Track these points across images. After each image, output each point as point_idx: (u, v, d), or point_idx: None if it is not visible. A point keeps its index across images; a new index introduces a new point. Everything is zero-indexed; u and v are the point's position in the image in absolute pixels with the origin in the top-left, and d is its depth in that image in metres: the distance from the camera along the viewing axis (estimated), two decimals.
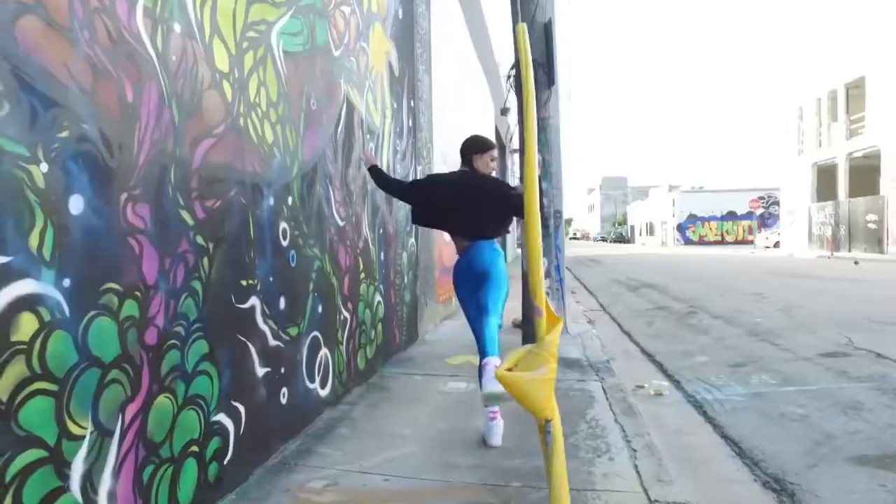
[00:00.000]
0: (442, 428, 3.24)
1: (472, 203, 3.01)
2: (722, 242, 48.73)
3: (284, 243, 2.85)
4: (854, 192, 25.99)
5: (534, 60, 5.28)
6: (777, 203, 41.00)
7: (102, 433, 1.68)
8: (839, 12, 26.75)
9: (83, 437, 1.61)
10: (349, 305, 3.82)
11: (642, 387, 4.50)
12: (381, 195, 4.60)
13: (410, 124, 5.64)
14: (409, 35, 5.61)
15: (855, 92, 26.03)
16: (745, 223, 48.60)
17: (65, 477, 1.54)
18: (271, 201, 2.71)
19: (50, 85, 1.50)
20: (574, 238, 74.31)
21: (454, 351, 5.37)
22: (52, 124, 1.51)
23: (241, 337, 2.43)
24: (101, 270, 1.68)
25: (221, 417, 2.28)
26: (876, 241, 23.91)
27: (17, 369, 1.41)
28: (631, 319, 8.15)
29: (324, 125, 3.38)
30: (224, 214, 2.32)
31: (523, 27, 2.12)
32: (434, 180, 3.37)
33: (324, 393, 3.36)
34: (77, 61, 1.59)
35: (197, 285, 2.13)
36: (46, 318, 1.49)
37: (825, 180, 28.60)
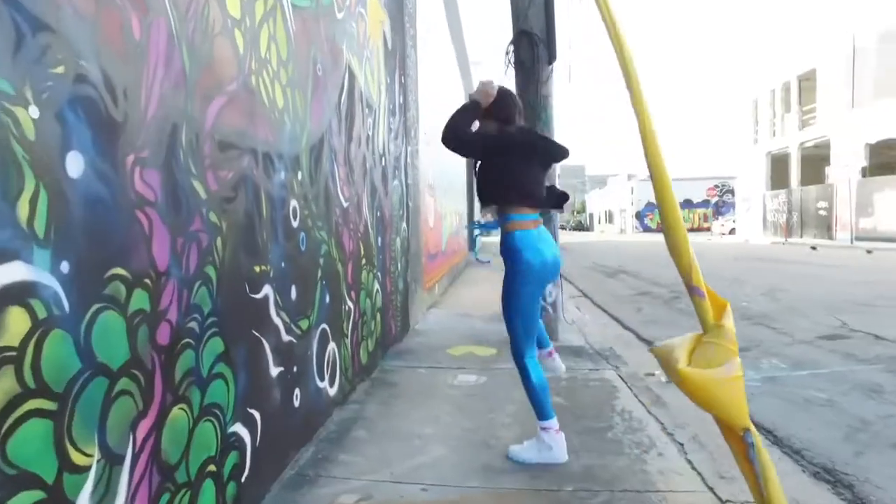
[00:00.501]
0: (467, 426, 2.96)
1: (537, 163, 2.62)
2: None
3: (295, 224, 2.49)
4: (805, 180, 26.92)
5: (535, 35, 5.00)
6: (731, 191, 42.26)
7: (111, 460, 1.32)
8: (792, 7, 27.50)
9: (88, 468, 1.25)
10: (352, 294, 3.48)
11: (652, 374, 4.32)
12: (378, 174, 4.25)
13: (401, 101, 5.29)
14: (399, 6, 5.25)
15: (806, 84, 26.88)
16: (701, 211, 49.98)
17: None
18: (282, 175, 2.35)
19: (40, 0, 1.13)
20: None
21: (452, 341, 5.08)
22: (42, 55, 1.13)
23: (255, 332, 2.08)
24: (106, 251, 1.31)
25: (238, 428, 1.93)
26: (826, 227, 24.83)
27: (5, 385, 1.04)
28: (618, 305, 8.04)
29: (328, 94, 3.02)
30: (237, 188, 1.95)
31: None
32: (504, 135, 2.60)
33: (332, 392, 3.02)
34: None
35: (211, 271, 1.76)
36: (42, 314, 1.12)
37: (778, 169, 29.53)
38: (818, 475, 2.72)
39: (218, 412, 1.80)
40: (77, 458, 1.21)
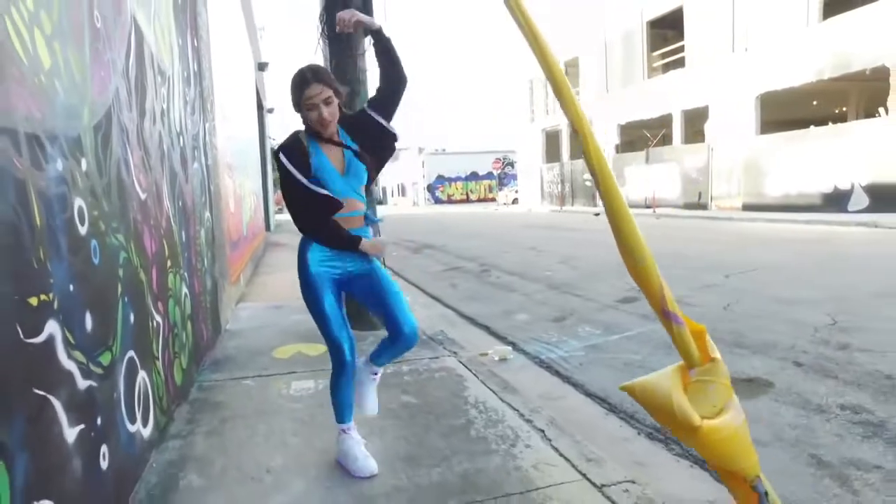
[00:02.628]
0: (320, 447, 2.60)
1: None
2: (467, 201, 53.38)
3: (83, 230, 1.85)
4: (575, 154, 30.56)
5: (351, 2, 4.60)
6: (512, 164, 46.25)
7: None
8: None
9: None
10: (160, 306, 2.83)
11: (485, 354, 4.39)
12: (177, 156, 3.53)
13: (196, 69, 4.49)
14: None
15: (572, 70, 30.29)
16: (486, 182, 53.96)
17: None
18: (59, 165, 1.70)
19: None
20: None
21: (274, 340, 4.57)
22: None
23: (38, 391, 1.47)
24: None
25: None
26: (591, 196, 28.58)
27: None
28: (432, 283, 8.13)
29: (113, 54, 2.32)
30: None
31: None
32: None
33: (147, 432, 2.41)
34: None
35: None
36: None
37: (552, 144, 33.05)
38: (652, 436, 2.96)
39: None
40: None
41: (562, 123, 31.09)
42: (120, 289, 2.19)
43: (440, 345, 4.38)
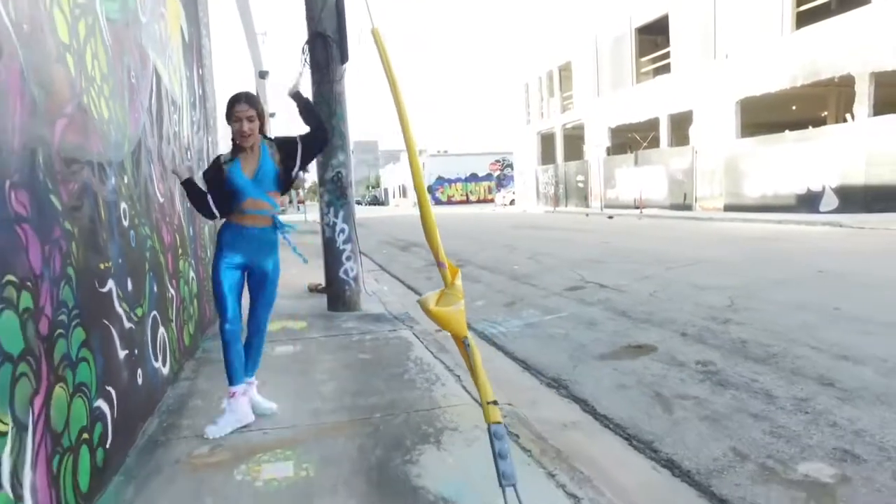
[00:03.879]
0: (292, 385, 3.52)
1: None
2: (467, 202, 54.23)
3: (125, 224, 2.77)
4: (569, 156, 31.44)
5: (327, 37, 5.52)
6: (510, 166, 47.15)
7: (20, 428, 1.66)
8: (552, 3, 31.41)
9: (6, 434, 1.59)
10: (174, 283, 3.75)
11: (440, 330, 5.27)
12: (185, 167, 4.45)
13: (201, 93, 5.41)
14: None
15: (565, 73, 31.17)
16: (485, 184, 54.86)
17: None
18: (113, 181, 2.62)
19: None
20: None
21: None
22: None
23: (105, 321, 2.39)
24: (1, 262, 1.63)
25: (100, 403, 2.26)
26: (583, 197, 29.44)
27: None
28: (412, 276, 9.04)
29: (141, 98, 3.24)
30: (82, 197, 2.24)
31: (377, 31, 2.47)
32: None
33: (165, 371, 3.33)
34: None
35: (71, 272, 2.07)
36: None
37: (547, 146, 33.91)
38: (550, 384, 3.86)
39: (85, 389, 2.13)
40: None
41: (556, 126, 31.98)
42: (147, 266, 3.11)
43: (402, 322, 5.29)
